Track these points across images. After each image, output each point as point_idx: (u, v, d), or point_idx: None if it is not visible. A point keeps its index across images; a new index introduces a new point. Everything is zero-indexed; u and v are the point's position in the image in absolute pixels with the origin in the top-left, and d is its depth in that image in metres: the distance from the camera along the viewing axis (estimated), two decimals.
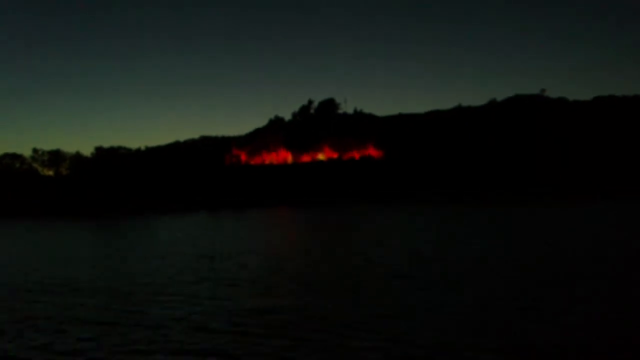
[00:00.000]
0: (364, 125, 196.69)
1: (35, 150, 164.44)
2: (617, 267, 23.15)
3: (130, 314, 16.97)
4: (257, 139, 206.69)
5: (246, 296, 19.30)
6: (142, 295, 20.13)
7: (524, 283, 20.09)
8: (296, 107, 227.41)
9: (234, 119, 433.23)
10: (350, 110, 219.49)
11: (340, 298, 18.62)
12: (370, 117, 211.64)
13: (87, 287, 22.41)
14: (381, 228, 52.80)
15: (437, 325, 14.59)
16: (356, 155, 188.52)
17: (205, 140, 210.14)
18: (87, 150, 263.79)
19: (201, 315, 16.51)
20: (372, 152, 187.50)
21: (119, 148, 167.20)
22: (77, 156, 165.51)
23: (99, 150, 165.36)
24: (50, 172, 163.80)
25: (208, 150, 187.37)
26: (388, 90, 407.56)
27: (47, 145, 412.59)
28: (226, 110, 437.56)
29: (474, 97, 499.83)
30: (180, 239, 45.91)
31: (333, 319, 15.61)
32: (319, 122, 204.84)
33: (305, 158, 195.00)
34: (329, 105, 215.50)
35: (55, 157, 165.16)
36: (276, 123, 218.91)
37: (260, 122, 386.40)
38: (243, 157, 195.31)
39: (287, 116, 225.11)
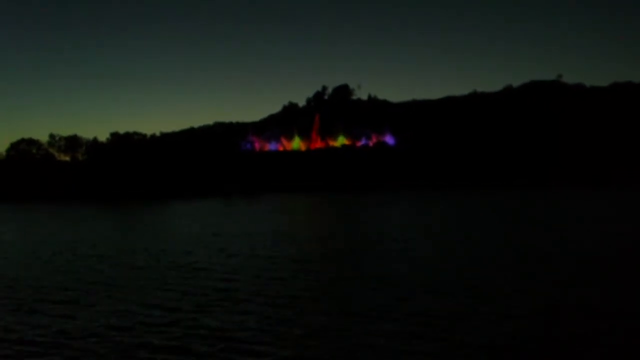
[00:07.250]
0: (378, 112, 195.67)
1: (52, 136, 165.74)
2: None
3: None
4: (271, 126, 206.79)
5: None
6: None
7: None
8: (310, 93, 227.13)
9: (249, 105, 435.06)
10: (364, 97, 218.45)
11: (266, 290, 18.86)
12: (385, 103, 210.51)
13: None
14: (380, 216, 52.78)
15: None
16: (370, 142, 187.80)
17: (219, 127, 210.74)
18: (102, 136, 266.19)
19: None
20: (387, 138, 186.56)
21: (134, 134, 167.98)
22: (94, 142, 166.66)
23: (115, 135, 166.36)
24: (67, 158, 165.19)
25: (222, 137, 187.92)
26: (402, 77, 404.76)
27: (64, 131, 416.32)
28: (240, 97, 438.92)
29: (490, 83, 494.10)
30: (181, 225, 46.48)
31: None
32: (333, 108, 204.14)
33: (319, 145, 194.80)
34: (343, 91, 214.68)
35: (72, 142, 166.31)
36: (290, 109, 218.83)
37: (274, 108, 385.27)
38: (257, 143, 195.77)
39: (301, 102, 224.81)
